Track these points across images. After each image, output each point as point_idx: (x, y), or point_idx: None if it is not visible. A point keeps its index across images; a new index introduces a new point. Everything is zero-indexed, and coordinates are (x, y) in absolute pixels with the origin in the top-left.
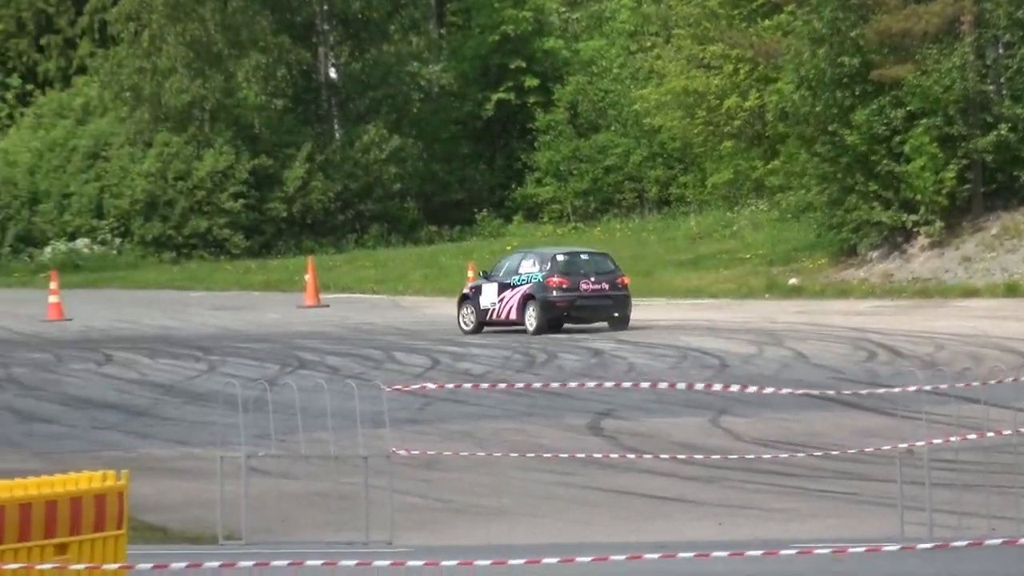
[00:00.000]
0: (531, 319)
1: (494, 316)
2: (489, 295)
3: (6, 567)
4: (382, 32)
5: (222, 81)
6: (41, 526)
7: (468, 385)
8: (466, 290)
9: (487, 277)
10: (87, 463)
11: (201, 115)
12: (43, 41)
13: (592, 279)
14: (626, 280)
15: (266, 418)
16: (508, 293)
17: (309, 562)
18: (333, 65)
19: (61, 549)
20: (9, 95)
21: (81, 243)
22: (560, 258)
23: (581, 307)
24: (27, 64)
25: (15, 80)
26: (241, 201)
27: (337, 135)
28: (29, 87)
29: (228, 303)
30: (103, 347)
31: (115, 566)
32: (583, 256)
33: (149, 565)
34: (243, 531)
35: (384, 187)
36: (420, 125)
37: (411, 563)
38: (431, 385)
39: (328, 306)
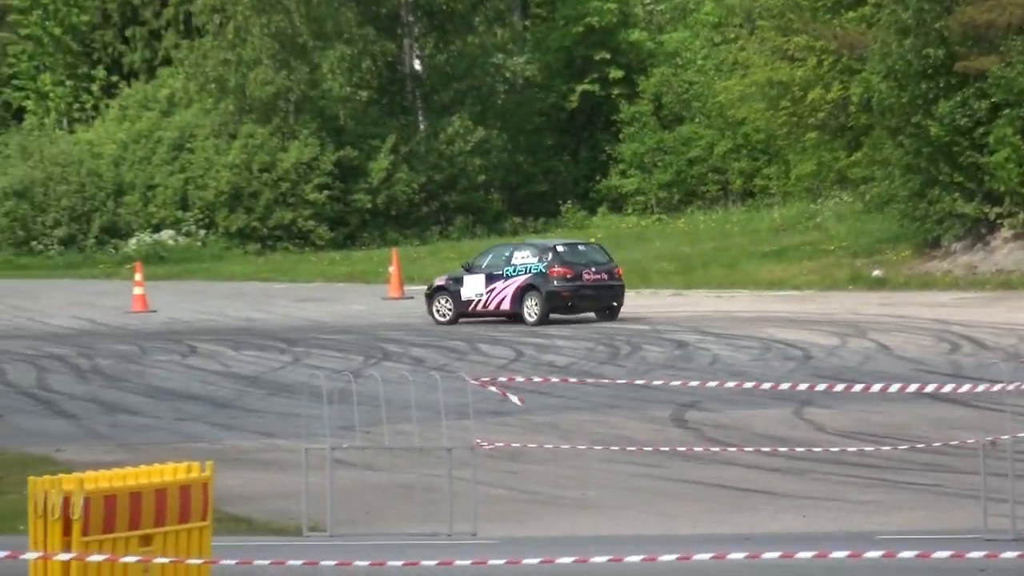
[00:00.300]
0: (532, 309)
1: (479, 307)
2: (474, 286)
3: (91, 559)
4: (467, 23)
5: (307, 73)
6: (126, 518)
7: (556, 379)
8: (441, 282)
9: (469, 269)
10: (172, 455)
11: (286, 107)
12: (128, 33)
13: (593, 269)
14: (620, 271)
15: (350, 410)
16: (500, 284)
17: (391, 563)
18: (418, 57)
19: (146, 541)
20: (95, 87)
21: (166, 235)
22: (561, 248)
23: (584, 296)
24: (112, 56)
25: (100, 72)
26: (325, 193)
27: (421, 127)
28: (114, 79)
29: (312, 295)
30: (187, 339)
31: (199, 561)
32: (580, 247)
33: (233, 561)
34: (328, 523)
35: (468, 179)
36: (504, 117)
37: (493, 561)
38: (519, 379)
39: (412, 298)
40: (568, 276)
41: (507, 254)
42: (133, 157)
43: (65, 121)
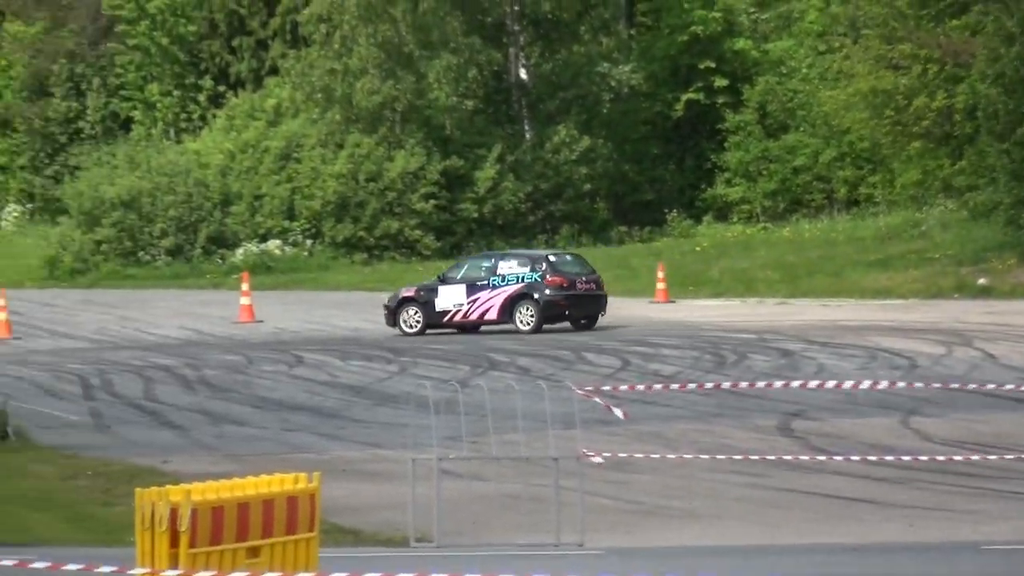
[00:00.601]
0: (526, 318)
1: (458, 317)
2: (451, 297)
3: (198, 575)
4: (572, 33)
5: (413, 82)
6: (233, 529)
7: (659, 386)
8: (408, 293)
9: (443, 280)
10: (278, 465)
11: (392, 116)
12: (235, 43)
13: (584, 279)
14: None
15: (457, 420)
16: (484, 294)
17: (500, 574)
18: (523, 66)
19: (253, 552)
20: (202, 97)
21: (273, 244)
22: (553, 258)
23: (576, 306)
24: (219, 66)
25: (207, 82)
26: (432, 202)
27: (527, 136)
28: (221, 89)
29: None
30: (294, 349)
31: (308, 575)
32: (568, 258)
33: (344, 574)
34: (435, 533)
35: (574, 188)
36: (610, 126)
37: (602, 574)
38: (623, 387)
39: None
40: (564, 285)
41: (488, 265)
42: (240, 167)
43: (172, 131)
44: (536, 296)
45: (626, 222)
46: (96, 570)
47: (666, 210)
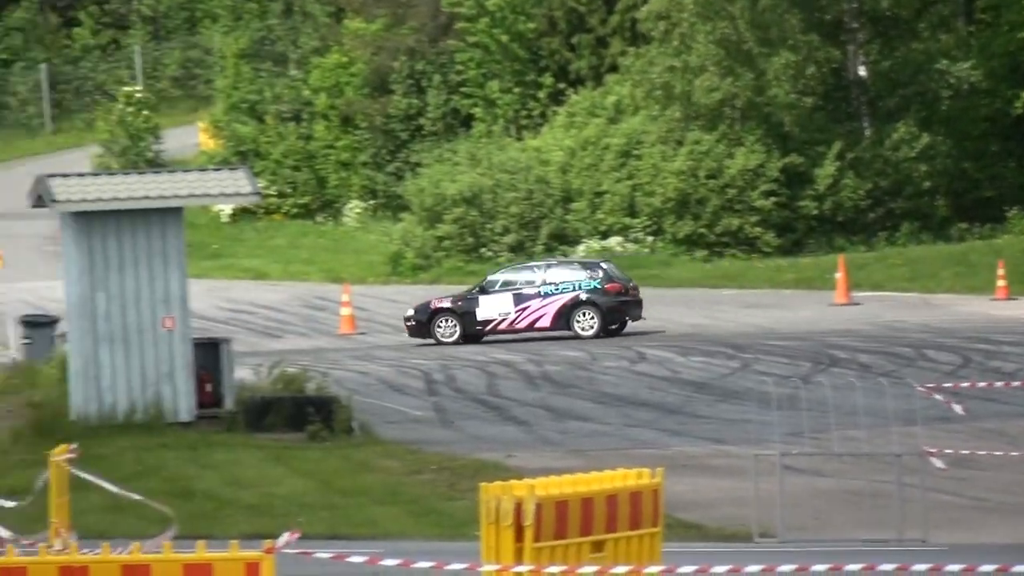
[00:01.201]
0: (587, 324)
1: (503, 326)
2: (497, 306)
3: (547, 570)
4: (911, 30)
5: (752, 79)
6: (577, 523)
7: (999, 384)
8: (443, 304)
9: (484, 290)
10: (621, 461)
11: (732, 113)
12: (575, 40)
13: (631, 285)
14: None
15: (799, 416)
16: (536, 302)
17: (848, 567)
18: (862, 63)
19: (597, 547)
20: (541, 94)
21: (614, 241)
22: (605, 266)
23: (628, 311)
24: (559, 63)
25: (547, 79)
26: (772, 199)
27: (867, 133)
28: (561, 86)
29: (759, 301)
30: (636, 345)
31: (656, 569)
32: (614, 265)
33: (691, 568)
34: (778, 529)
35: (914, 185)
36: (949, 123)
37: (949, 567)
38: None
39: (859, 304)
40: (620, 292)
41: (532, 274)
42: (580, 164)
43: (512, 128)
44: (599, 302)
45: (966, 219)
46: (446, 568)
47: (1006, 207)
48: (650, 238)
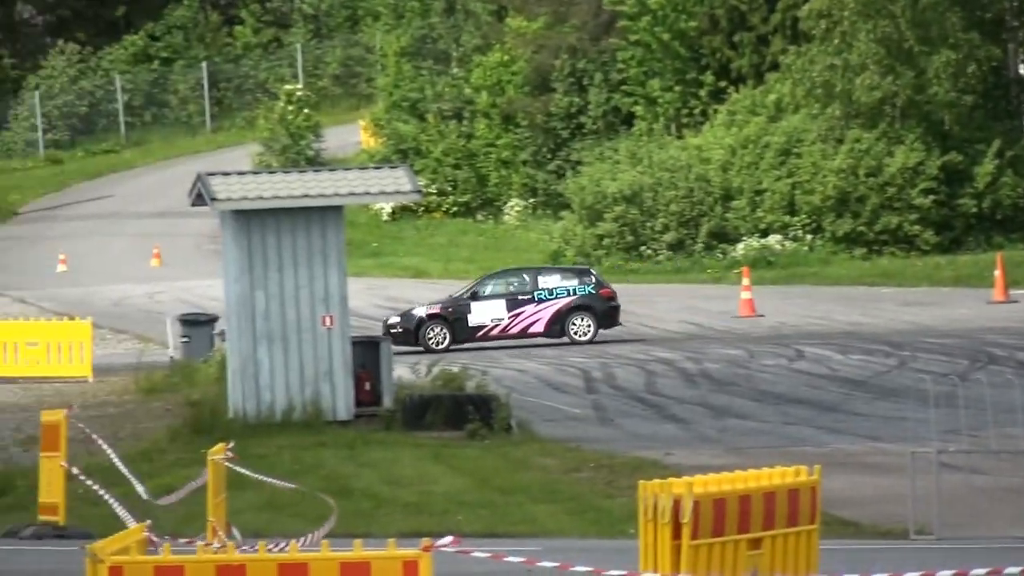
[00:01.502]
0: (582, 329)
1: (495, 332)
2: (489, 311)
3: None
4: None
5: (912, 78)
6: (735, 521)
7: None
8: (433, 311)
9: (475, 296)
10: (779, 458)
11: (892, 112)
12: (736, 38)
13: (613, 290)
14: None
15: (956, 413)
16: (530, 308)
17: (1008, 570)
18: (1023, 61)
19: (754, 544)
20: (702, 92)
21: (773, 239)
22: (594, 271)
23: (616, 317)
24: (720, 61)
25: (708, 77)
26: (931, 197)
27: None
28: (722, 84)
29: (917, 299)
30: (794, 343)
31: None
32: (595, 271)
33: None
34: (934, 526)
35: None
36: None
37: None
38: None
39: (1017, 302)
40: (612, 297)
41: (521, 280)
42: (741, 162)
43: (673, 126)
44: (596, 307)
45: None
46: (604, 574)
47: None
48: (809, 236)
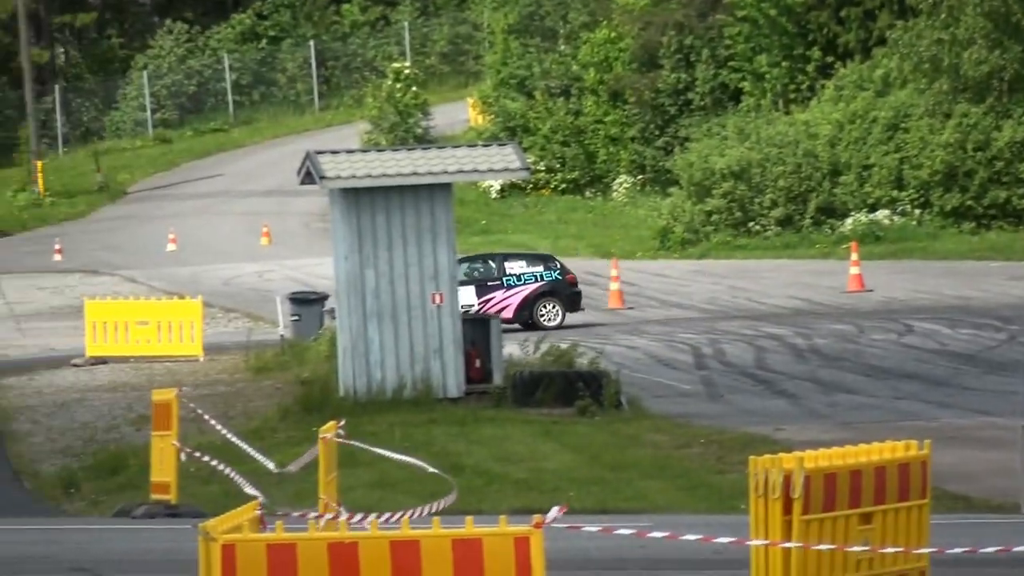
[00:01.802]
0: (551, 315)
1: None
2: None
3: (815, 547)
4: None
5: (1020, 51)
6: (846, 496)
7: None
8: None
9: None
10: (889, 433)
11: (999, 86)
12: (843, 13)
13: (574, 275)
14: None
15: None
16: (499, 294)
17: None
18: None
19: (865, 519)
20: (810, 68)
21: (881, 214)
22: (558, 258)
23: (579, 302)
24: (827, 36)
25: (816, 53)
26: None
27: None
28: (829, 59)
29: None
30: (903, 318)
31: (924, 550)
32: (556, 257)
33: (960, 550)
34: None
35: None
36: None
37: None
38: None
39: None
40: (575, 283)
41: (492, 266)
42: (848, 138)
43: (780, 102)
44: (563, 293)
45: None
46: (714, 540)
47: None
48: (918, 211)
